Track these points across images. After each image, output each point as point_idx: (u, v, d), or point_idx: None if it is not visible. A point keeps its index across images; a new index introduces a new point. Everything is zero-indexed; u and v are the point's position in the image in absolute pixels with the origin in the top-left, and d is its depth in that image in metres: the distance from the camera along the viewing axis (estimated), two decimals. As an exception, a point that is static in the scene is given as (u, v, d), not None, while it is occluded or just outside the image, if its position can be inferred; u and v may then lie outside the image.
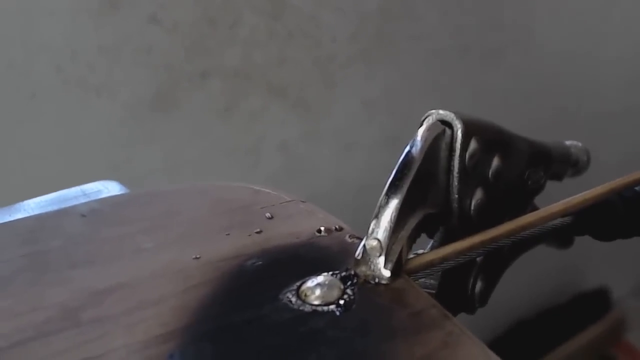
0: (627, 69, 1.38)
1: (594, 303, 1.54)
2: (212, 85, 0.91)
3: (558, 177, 0.42)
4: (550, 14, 1.21)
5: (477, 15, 1.11)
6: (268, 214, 0.33)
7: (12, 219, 0.33)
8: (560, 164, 0.41)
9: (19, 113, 0.80)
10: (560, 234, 0.39)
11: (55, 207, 0.34)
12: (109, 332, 0.26)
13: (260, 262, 0.30)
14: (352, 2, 0.98)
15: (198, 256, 0.30)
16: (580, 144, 0.44)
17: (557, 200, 0.37)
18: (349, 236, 0.32)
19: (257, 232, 0.32)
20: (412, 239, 0.31)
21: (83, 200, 0.34)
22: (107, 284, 0.28)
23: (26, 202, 0.36)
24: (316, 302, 0.27)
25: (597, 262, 1.50)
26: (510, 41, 1.17)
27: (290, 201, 0.34)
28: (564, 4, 1.23)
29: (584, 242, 0.43)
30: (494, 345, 0.25)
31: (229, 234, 0.31)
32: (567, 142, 0.44)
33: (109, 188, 0.38)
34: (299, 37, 0.96)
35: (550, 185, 0.41)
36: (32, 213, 0.35)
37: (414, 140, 0.31)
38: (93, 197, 0.36)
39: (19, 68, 0.79)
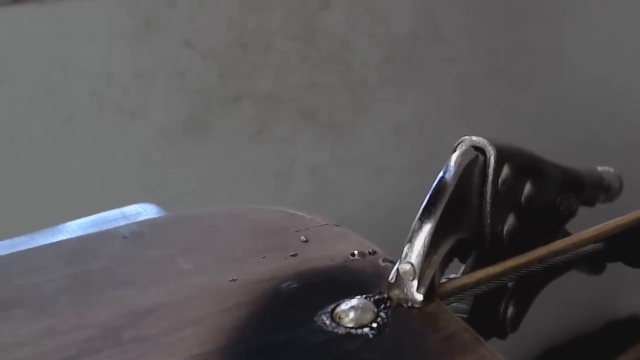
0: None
1: (625, 331, 1.52)
2: (244, 109, 0.92)
3: (590, 203, 0.42)
4: (582, 38, 1.21)
5: (507, 39, 1.11)
6: (303, 237, 0.34)
7: (55, 240, 0.34)
8: (592, 189, 0.41)
9: (57, 136, 0.82)
10: (592, 260, 0.39)
11: (96, 229, 0.35)
12: (149, 352, 0.26)
13: (295, 285, 0.30)
14: (384, 26, 0.99)
15: (234, 278, 0.31)
16: (612, 170, 0.44)
17: (589, 226, 0.38)
18: (382, 260, 0.32)
19: (292, 255, 0.32)
20: (444, 264, 0.31)
21: (123, 222, 0.35)
22: (147, 304, 0.29)
23: (68, 223, 0.37)
24: (350, 325, 0.28)
25: (629, 290, 1.48)
26: (541, 65, 1.17)
27: (324, 225, 0.35)
28: (595, 28, 1.22)
29: (615, 269, 0.43)
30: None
31: (264, 257, 0.32)
32: (599, 168, 0.44)
33: (147, 210, 0.39)
34: (330, 61, 0.97)
35: (582, 211, 0.41)
36: (73, 234, 0.36)
37: (448, 165, 0.31)
38: (132, 219, 0.36)
39: (57, 91, 0.81)
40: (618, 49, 1.28)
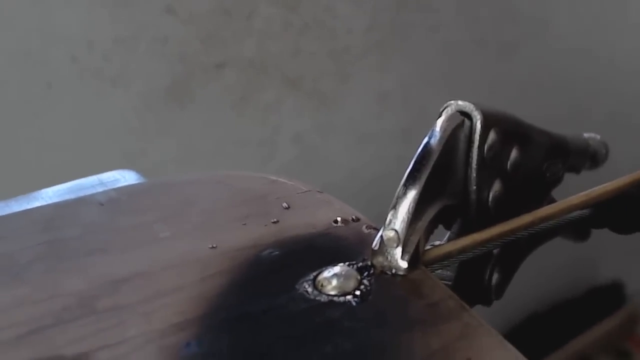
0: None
1: (608, 297, 1.53)
2: (227, 77, 0.91)
3: (576, 169, 0.42)
4: (567, 8, 1.21)
5: (493, 7, 1.10)
6: (285, 204, 0.33)
7: (30, 207, 0.33)
8: (578, 156, 0.41)
9: (35, 103, 0.80)
10: (578, 227, 0.39)
11: (72, 196, 0.34)
12: (125, 321, 0.26)
13: (277, 252, 0.30)
14: (368, -7, 0.98)
15: (214, 246, 0.30)
16: (598, 137, 0.44)
17: (573, 193, 0.37)
18: (366, 227, 0.31)
19: (273, 222, 0.32)
20: (429, 231, 0.30)
21: (100, 189, 0.34)
22: (124, 273, 0.28)
23: (44, 190, 0.36)
24: (332, 293, 0.27)
25: (611, 256, 1.49)
26: (527, 34, 1.17)
27: (306, 191, 0.34)
28: (581, -2, 1.22)
29: (598, 236, 0.42)
30: (507, 338, 0.25)
31: (245, 224, 0.31)
32: (586, 135, 0.43)
33: (126, 177, 0.38)
34: (314, 28, 0.95)
35: (567, 178, 0.41)
36: (49, 201, 0.35)
37: (433, 130, 0.31)
38: (110, 186, 0.36)
39: (35, 58, 0.79)
40: (603, 19, 1.27)
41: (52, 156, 0.81)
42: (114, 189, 0.33)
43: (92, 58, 0.82)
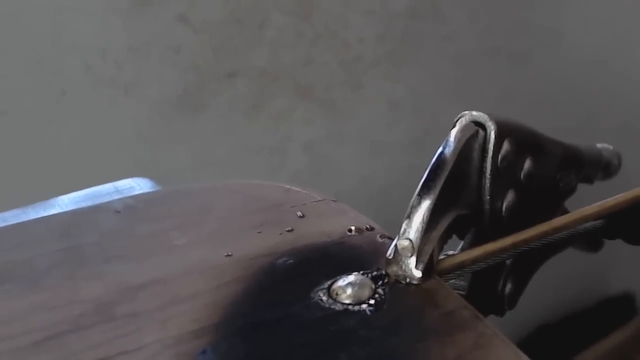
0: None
1: (619, 308, 1.52)
2: (239, 85, 0.91)
3: (589, 180, 0.42)
4: (581, 18, 1.20)
5: (505, 16, 1.11)
6: (299, 213, 0.33)
7: (46, 214, 0.33)
8: (591, 166, 0.41)
9: (49, 110, 0.81)
10: (591, 237, 0.39)
11: (88, 203, 0.34)
12: (142, 327, 0.26)
13: (292, 261, 0.30)
14: (380, 2, 0.98)
15: (230, 253, 0.30)
16: (611, 147, 0.44)
17: (587, 204, 0.37)
18: (380, 236, 0.32)
19: (288, 231, 0.32)
20: (443, 240, 0.31)
21: (116, 196, 0.35)
22: (140, 280, 0.28)
23: (60, 197, 0.36)
24: (347, 301, 0.27)
25: (623, 267, 1.49)
26: (539, 44, 1.17)
27: (321, 200, 0.34)
28: (594, 8, 1.22)
29: (610, 247, 0.42)
30: (518, 348, 0.25)
31: (260, 232, 0.32)
32: (599, 145, 0.44)
33: (141, 185, 0.38)
34: (326, 37, 0.96)
35: (580, 188, 0.41)
36: (66, 209, 0.35)
37: (447, 140, 0.31)
38: (126, 194, 0.36)
39: (49, 66, 0.80)
40: (617, 30, 1.27)
41: (65, 163, 0.82)
42: (131, 197, 0.33)
43: (105, 66, 0.82)
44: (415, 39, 1.03)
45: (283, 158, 0.98)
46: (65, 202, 0.36)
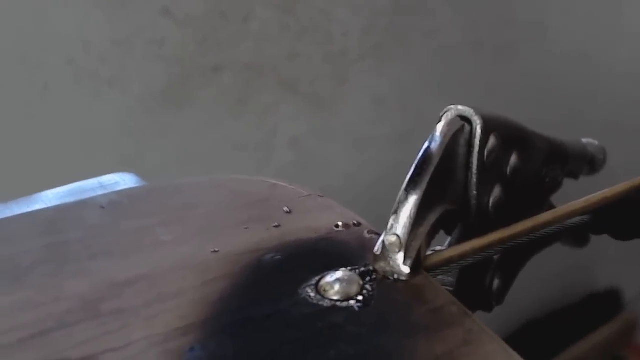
0: None
1: (605, 304, 1.53)
2: (224, 79, 0.91)
3: (574, 175, 0.42)
4: (564, 12, 1.21)
5: (489, 10, 1.11)
6: (286, 208, 0.33)
7: (30, 209, 0.33)
8: (577, 162, 0.41)
9: (32, 105, 0.80)
10: (577, 233, 0.39)
11: (73, 199, 0.34)
12: (129, 324, 0.26)
13: (279, 257, 0.30)
14: (364, -4, 0.98)
15: (217, 250, 0.30)
16: (596, 142, 0.44)
17: (572, 199, 0.37)
18: (367, 232, 0.32)
19: (275, 227, 0.32)
20: (430, 236, 0.30)
21: (100, 192, 0.34)
22: (126, 276, 0.28)
23: (44, 193, 0.36)
24: (335, 297, 0.27)
25: (608, 263, 1.50)
26: (523, 38, 1.17)
27: (308, 195, 0.34)
28: (578, 2, 1.22)
29: (596, 243, 0.43)
30: (506, 344, 0.25)
31: (247, 228, 0.31)
32: (584, 140, 0.44)
33: (126, 180, 0.38)
34: (310, 31, 0.96)
35: (566, 183, 0.41)
36: (50, 204, 0.35)
37: (433, 135, 0.31)
38: (110, 189, 0.36)
39: (32, 60, 0.79)
40: (601, 25, 1.28)
41: (49, 158, 0.81)
42: (116, 192, 0.33)
43: (88, 60, 0.82)
44: (400, 34, 1.03)
45: (269, 153, 0.98)
46: (50, 198, 0.35)
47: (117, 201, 0.32)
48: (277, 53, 0.94)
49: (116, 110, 0.85)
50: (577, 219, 0.36)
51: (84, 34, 0.81)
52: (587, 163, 0.43)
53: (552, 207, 0.39)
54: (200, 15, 0.87)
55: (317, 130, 1.01)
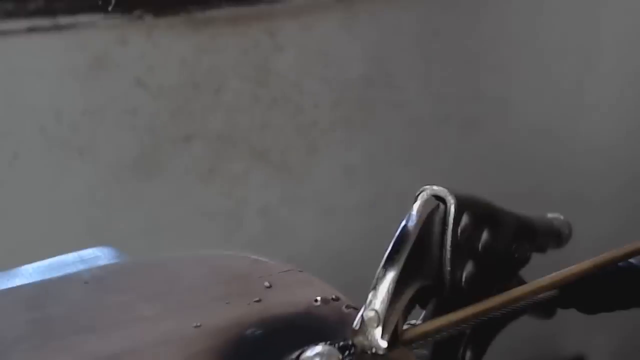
0: (602, 143, 1.41)
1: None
2: (195, 149, 0.92)
3: (542, 249, 0.43)
4: (526, 88, 1.25)
5: (457, 85, 1.14)
6: (267, 283, 0.34)
7: (11, 284, 0.33)
8: (544, 236, 0.42)
9: (1, 173, 0.80)
10: (545, 306, 0.40)
11: (53, 273, 0.34)
12: (113, 400, 0.26)
13: (260, 331, 0.30)
14: (335, 70, 1.01)
15: (198, 324, 0.30)
16: (562, 217, 0.45)
17: (539, 271, 0.39)
18: (346, 306, 0.32)
19: (256, 301, 0.32)
20: (407, 310, 0.31)
21: (81, 266, 0.35)
22: (110, 351, 0.28)
23: (24, 267, 0.36)
24: (316, 372, 0.28)
25: (574, 331, 1.51)
26: (488, 112, 1.20)
27: (287, 271, 0.35)
28: (539, 78, 1.26)
29: (562, 312, 0.44)
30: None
31: (228, 303, 0.32)
32: (550, 215, 0.45)
33: (105, 253, 0.39)
34: (282, 103, 0.97)
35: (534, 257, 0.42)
36: (30, 278, 0.35)
37: (410, 215, 0.32)
38: (90, 263, 0.36)
39: (2, 127, 0.79)
40: (564, 99, 1.32)
41: (18, 229, 0.81)
42: (99, 267, 0.33)
43: (60, 128, 0.82)
44: (370, 106, 1.05)
45: (239, 222, 0.99)
46: (30, 272, 0.36)
47: (100, 276, 0.33)
48: (248, 123, 0.96)
49: (87, 179, 0.85)
50: (545, 294, 0.38)
51: (57, 103, 0.81)
52: (554, 237, 0.45)
53: (521, 280, 0.40)
54: (173, 86, 0.89)
55: (287, 199, 1.02)
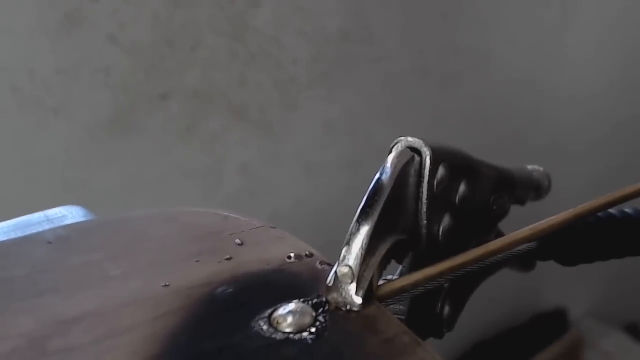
0: (583, 95, 1.41)
1: (551, 324, 1.56)
2: (172, 107, 0.90)
3: (521, 201, 0.43)
4: (507, 40, 1.24)
5: (436, 39, 1.13)
6: (238, 241, 0.33)
7: (-26, 245, 0.32)
8: (523, 189, 0.42)
9: (-26, 134, 0.79)
10: (525, 259, 0.40)
11: (19, 233, 0.33)
12: (78, 363, 0.25)
13: (231, 290, 0.29)
14: (313, 24, 0.99)
15: (167, 284, 0.30)
16: (542, 169, 0.45)
17: (519, 225, 0.38)
18: (320, 262, 0.32)
19: (227, 259, 0.31)
20: (382, 266, 0.31)
21: (47, 226, 0.34)
22: (74, 313, 0.27)
23: (-12, 227, 0.35)
24: (288, 330, 0.27)
25: (554, 284, 1.53)
26: (469, 66, 1.19)
27: (259, 227, 0.34)
28: (520, 30, 1.25)
29: (541, 264, 0.43)
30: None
31: (198, 261, 0.31)
32: (529, 167, 0.44)
33: (73, 213, 0.37)
34: (260, 59, 0.96)
35: (512, 209, 0.42)
36: (-6, 239, 0.34)
37: (384, 167, 0.31)
38: (57, 223, 0.35)
39: (-26, 89, 0.77)
40: (544, 51, 1.31)
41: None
42: (63, 227, 0.32)
43: (33, 88, 0.80)
44: (349, 61, 1.04)
45: (218, 180, 0.98)
46: (-7, 233, 0.35)
47: (64, 236, 0.32)
48: (226, 80, 0.94)
49: (61, 139, 0.84)
50: (524, 246, 0.37)
51: (29, 62, 0.79)
52: (534, 190, 0.44)
53: (499, 233, 0.39)
54: (147, 43, 0.87)
55: (267, 156, 1.01)
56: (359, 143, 1.08)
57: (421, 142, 0.32)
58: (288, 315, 0.28)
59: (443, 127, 1.15)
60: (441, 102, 1.17)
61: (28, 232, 0.33)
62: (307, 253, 0.32)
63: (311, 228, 1.04)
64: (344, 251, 0.29)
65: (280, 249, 0.32)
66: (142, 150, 0.90)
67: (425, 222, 0.33)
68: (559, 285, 1.54)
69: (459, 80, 1.18)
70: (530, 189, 0.43)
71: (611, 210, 0.40)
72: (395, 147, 0.33)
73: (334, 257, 0.30)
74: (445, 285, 0.36)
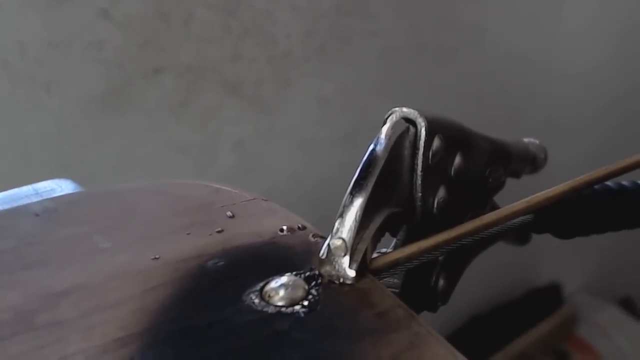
0: (578, 69, 1.40)
1: (546, 298, 1.57)
2: (166, 82, 0.90)
3: (517, 174, 0.42)
4: (503, 15, 1.23)
5: (431, 13, 1.12)
6: (229, 213, 0.32)
7: (-40, 219, 0.32)
8: (519, 161, 0.41)
9: (-35, 109, 0.78)
10: (520, 232, 0.39)
11: (6, 206, 0.32)
12: (65, 336, 0.25)
13: (222, 263, 0.29)
14: (307, -2, 0.98)
15: (157, 257, 0.29)
16: (537, 142, 0.44)
17: (514, 198, 0.38)
18: (312, 235, 0.31)
19: (218, 232, 0.31)
20: (376, 238, 0.30)
21: (35, 199, 0.33)
22: (62, 286, 0.27)
23: (-25, 201, 0.35)
24: (280, 303, 0.27)
25: (549, 258, 1.53)
26: (464, 40, 1.18)
27: (251, 199, 0.33)
28: (516, 5, 1.24)
29: (536, 239, 0.43)
30: (450, 340, 0.25)
31: (189, 234, 0.31)
32: (525, 140, 0.44)
33: (63, 186, 0.37)
34: (253, 33, 0.95)
35: (508, 182, 0.41)
36: (-19, 213, 0.33)
37: (378, 138, 0.30)
38: (46, 196, 0.34)
39: (-36, 62, 0.76)
40: (539, 26, 1.30)
41: (-17, 164, 0.79)
42: (51, 199, 0.32)
43: (24, 62, 0.79)
44: (344, 36, 1.03)
45: (212, 156, 0.97)
46: (-19, 206, 0.34)
47: (52, 208, 0.31)
48: (219, 55, 0.93)
49: (54, 115, 0.83)
50: (519, 219, 0.37)
51: (20, 36, 0.78)
52: (529, 162, 0.43)
53: (495, 206, 0.39)
54: (140, 17, 0.86)
55: (262, 132, 1.00)
56: (354, 118, 1.07)
57: (416, 112, 0.32)
58: (280, 289, 0.27)
59: (438, 102, 1.14)
60: (436, 77, 1.17)
61: (16, 205, 0.32)
62: (300, 226, 0.32)
63: (306, 203, 1.04)
64: (337, 223, 0.28)
65: (272, 222, 0.32)
66: (136, 125, 0.89)
67: (420, 194, 0.32)
68: (553, 260, 1.55)
69: (453, 54, 1.17)
70: (526, 162, 0.43)
71: (608, 183, 0.40)
72: (390, 117, 0.32)
73: (329, 232, 0.29)
74: (440, 258, 0.35)
